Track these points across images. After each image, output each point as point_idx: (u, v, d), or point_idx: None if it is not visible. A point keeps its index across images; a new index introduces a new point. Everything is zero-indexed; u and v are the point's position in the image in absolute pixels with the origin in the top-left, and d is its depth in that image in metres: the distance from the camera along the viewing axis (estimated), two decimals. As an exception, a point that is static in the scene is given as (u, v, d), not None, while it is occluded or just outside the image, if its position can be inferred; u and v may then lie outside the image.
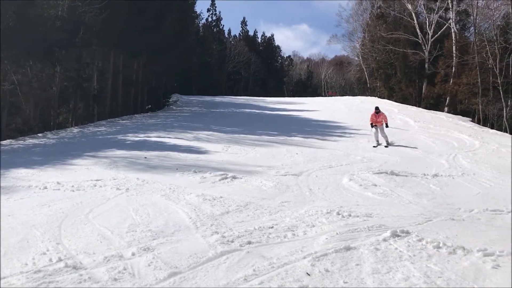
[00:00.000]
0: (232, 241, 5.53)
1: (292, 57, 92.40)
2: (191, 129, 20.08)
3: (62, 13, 22.05)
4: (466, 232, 6.14)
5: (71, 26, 22.25)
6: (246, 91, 65.59)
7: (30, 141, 16.97)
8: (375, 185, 9.35)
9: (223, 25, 73.20)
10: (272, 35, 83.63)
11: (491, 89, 28.09)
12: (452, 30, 33.54)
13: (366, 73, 49.56)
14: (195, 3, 44.18)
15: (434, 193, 8.92)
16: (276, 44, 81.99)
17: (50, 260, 4.84)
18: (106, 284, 4.34)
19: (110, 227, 6.06)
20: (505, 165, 12.34)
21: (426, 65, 36.27)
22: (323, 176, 10.34)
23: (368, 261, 4.98)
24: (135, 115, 29.03)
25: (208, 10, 67.69)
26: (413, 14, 37.07)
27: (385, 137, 15.59)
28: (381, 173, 10.62)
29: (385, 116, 16.01)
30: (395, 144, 15.65)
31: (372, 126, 16.09)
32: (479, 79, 28.11)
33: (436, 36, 35.54)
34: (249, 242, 5.52)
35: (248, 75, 71.28)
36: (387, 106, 31.77)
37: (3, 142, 16.58)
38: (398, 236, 5.79)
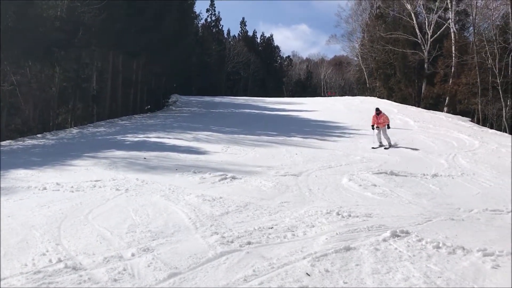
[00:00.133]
0: (232, 242, 5.53)
1: (291, 57, 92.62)
2: (191, 129, 20.08)
3: (61, 13, 22.05)
4: (466, 232, 6.15)
5: (70, 27, 22.24)
6: (246, 91, 65.63)
7: (29, 141, 16.96)
8: (375, 185, 9.35)
9: (222, 25, 73.46)
10: (271, 35, 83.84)
11: (490, 89, 28.11)
12: (452, 30, 33.57)
13: (365, 73, 49.58)
14: (194, 3, 44.19)
15: (434, 193, 8.92)
16: (275, 44, 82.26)
17: (50, 261, 4.84)
18: (106, 284, 4.33)
19: (109, 227, 6.05)
20: (504, 165, 12.35)
21: (425, 65, 36.30)
22: (322, 176, 10.34)
23: (368, 261, 4.98)
24: (135, 115, 29.02)
25: (208, 10, 67.81)
26: (412, 14, 37.11)
27: (387, 138, 15.38)
28: (381, 173, 10.62)
29: (386, 117, 15.82)
30: (398, 146, 15.42)
31: (373, 128, 16.00)
32: (478, 79, 28.13)
33: (435, 36, 35.57)
34: (249, 243, 5.51)
35: (247, 76, 71.31)
36: (387, 106, 31.77)
37: (3, 143, 16.56)
38: (398, 236, 5.79)
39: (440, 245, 5.45)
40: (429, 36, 36.02)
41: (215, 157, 13.10)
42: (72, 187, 8.65)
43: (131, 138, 17.23)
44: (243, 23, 76.83)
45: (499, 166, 12.27)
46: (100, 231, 5.93)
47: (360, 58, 50.85)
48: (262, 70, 72.16)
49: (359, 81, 54.25)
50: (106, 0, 23.40)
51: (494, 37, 27.93)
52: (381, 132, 15.49)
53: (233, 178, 9.80)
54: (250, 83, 71.80)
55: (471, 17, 31.82)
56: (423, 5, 36.96)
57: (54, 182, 9.09)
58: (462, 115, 28.32)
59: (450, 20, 34.21)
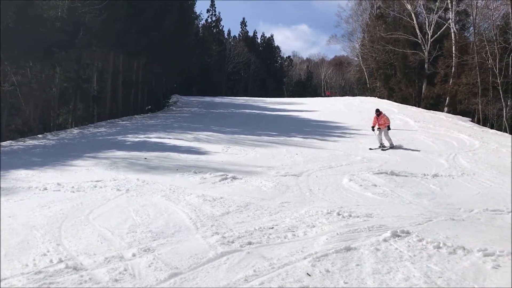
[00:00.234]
0: (233, 242, 5.53)
1: (291, 57, 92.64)
2: (191, 129, 20.09)
3: (62, 14, 22.06)
4: (466, 232, 6.15)
5: (71, 27, 22.25)
6: (246, 91, 65.66)
7: (30, 142, 16.97)
8: (375, 186, 9.35)
9: (223, 26, 73.43)
10: (272, 36, 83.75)
11: (490, 89, 28.10)
12: (452, 30, 33.55)
13: (365, 73, 49.59)
14: (195, 3, 44.15)
15: (434, 193, 8.93)
16: (275, 45, 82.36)
17: (51, 261, 4.85)
18: (106, 285, 4.34)
19: (110, 228, 6.06)
20: (505, 165, 12.35)
21: (425, 65, 36.30)
22: (323, 176, 10.34)
23: (369, 261, 4.98)
24: (135, 116, 29.04)
25: (208, 10, 67.83)
26: (413, 14, 37.11)
27: (389, 140, 15.19)
28: (381, 173, 10.62)
29: (386, 118, 15.61)
30: (403, 147, 15.21)
31: (373, 129, 15.89)
32: (478, 79, 28.13)
33: (435, 36, 35.56)
34: (250, 243, 5.52)
35: (247, 76, 71.34)
36: (387, 106, 31.79)
37: (3, 143, 16.58)
38: (399, 236, 5.79)
39: (441, 245, 5.45)
40: (429, 36, 36.02)
41: (215, 157, 13.10)
42: (72, 187, 8.66)
43: (131, 138, 17.24)
44: (243, 23, 76.93)
45: (500, 166, 12.27)
46: (101, 231, 5.93)
47: (360, 58, 50.88)
48: (262, 71, 72.19)
49: (360, 81, 54.28)
50: (107, 0, 23.41)
51: (494, 37, 27.93)
52: (383, 133, 15.36)
53: (234, 178, 9.80)
54: (250, 84, 71.83)
55: (471, 17, 31.82)
56: (423, 5, 36.95)
57: (55, 182, 9.09)
58: (463, 115, 28.31)
59: (450, 20, 34.21)
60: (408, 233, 5.92)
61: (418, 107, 34.07)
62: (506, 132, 23.87)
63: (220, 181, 9.60)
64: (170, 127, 21.27)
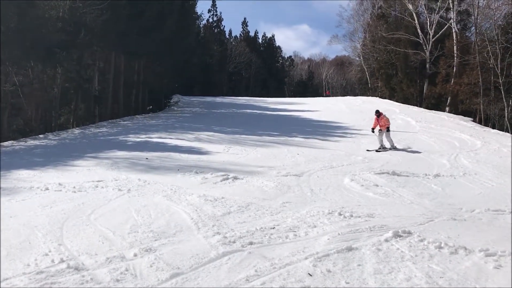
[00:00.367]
0: (234, 242, 5.54)
1: (293, 57, 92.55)
2: (192, 129, 20.10)
3: (63, 14, 22.09)
4: (468, 232, 6.14)
5: (72, 27, 22.28)
6: (247, 91, 65.66)
7: (31, 142, 16.99)
8: (377, 186, 9.35)
9: (224, 26, 73.37)
10: (273, 36, 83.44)
11: (492, 89, 28.03)
12: (453, 30, 33.50)
13: (367, 73, 49.56)
14: (196, 4, 44.09)
15: (436, 193, 8.92)
16: (276, 45, 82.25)
17: (52, 261, 4.85)
18: (108, 285, 4.34)
19: (112, 228, 6.07)
20: (506, 165, 12.31)
21: (427, 65, 36.24)
22: (324, 176, 10.34)
23: (370, 261, 4.98)
24: (136, 116, 29.05)
25: (209, 11, 67.84)
26: (414, 14, 37.05)
27: (390, 141, 14.93)
28: (383, 173, 10.62)
29: (386, 119, 15.29)
30: (409, 150, 14.80)
31: (373, 131, 15.71)
32: (480, 79, 28.08)
33: (437, 36, 35.50)
34: (251, 243, 5.52)
35: (249, 76, 71.35)
36: (388, 106, 31.80)
37: (5, 144, 16.61)
38: (400, 236, 5.79)
39: (442, 245, 5.45)
40: (430, 36, 35.96)
41: (216, 157, 13.11)
42: (74, 187, 8.67)
43: (133, 138, 17.25)
44: (244, 23, 76.90)
45: (501, 166, 12.25)
46: (102, 231, 5.94)
47: (361, 58, 50.86)
48: (263, 71, 72.18)
49: (361, 81, 54.25)
50: (108, 0, 23.43)
51: (496, 37, 27.87)
52: (384, 134, 15.07)
53: (235, 178, 9.81)
54: (251, 84, 71.84)
55: (473, 17, 31.75)
56: (424, 5, 36.90)
57: (56, 182, 9.11)
58: (464, 115, 28.28)
59: (452, 20, 34.15)
60: (409, 233, 5.91)
61: (420, 107, 34.04)
62: (508, 132, 23.80)
63: (221, 181, 9.60)
64: (171, 127, 21.28)
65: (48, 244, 5.39)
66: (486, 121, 27.82)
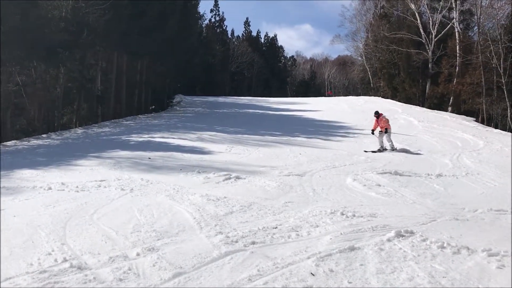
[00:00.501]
0: (236, 241, 5.54)
1: (295, 57, 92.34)
2: (195, 129, 20.11)
3: (66, 14, 22.13)
4: (471, 232, 6.13)
5: (75, 27, 22.32)
6: (249, 91, 65.63)
7: (34, 142, 17.04)
8: (379, 185, 9.34)
9: (226, 26, 73.45)
10: (275, 35, 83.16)
11: (495, 89, 27.98)
12: (456, 30, 33.46)
13: (369, 73, 49.49)
14: (198, 3, 44.05)
15: (438, 193, 8.91)
16: (279, 45, 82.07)
17: (55, 260, 4.87)
18: (111, 284, 4.35)
19: (114, 227, 6.08)
20: (509, 165, 12.28)
21: (429, 65, 36.19)
22: (326, 176, 10.33)
23: (373, 261, 4.98)
24: (139, 115, 29.09)
25: (212, 10, 67.65)
26: (417, 14, 37.02)
27: (389, 141, 14.76)
28: (385, 173, 10.61)
29: (386, 120, 15.06)
30: (412, 151, 14.57)
31: (372, 133, 15.54)
32: (483, 79, 28.03)
33: (439, 35, 35.45)
34: (253, 242, 5.52)
35: (251, 76, 71.34)
36: (391, 106, 31.78)
37: (8, 143, 16.66)
38: (402, 236, 5.78)
39: (445, 245, 5.44)
40: (433, 36, 35.90)
41: (219, 157, 13.12)
42: (77, 187, 8.69)
43: (135, 138, 17.28)
44: (247, 23, 76.88)
45: (504, 166, 12.22)
46: (105, 230, 5.95)
47: (364, 58, 50.77)
48: (266, 70, 72.14)
49: (363, 81, 54.18)
50: (111, 0, 23.47)
51: (499, 37, 27.82)
52: (384, 135, 14.83)
53: (237, 178, 9.81)
54: (254, 83, 71.82)
55: (475, 17, 31.71)
56: (427, 4, 36.84)
57: (59, 182, 9.12)
58: (467, 115, 28.22)
59: (454, 19, 34.10)
60: (412, 233, 5.91)
61: (422, 106, 33.99)
62: (511, 132, 23.76)
63: (223, 180, 9.61)
64: (173, 127, 21.30)
65: (51, 244, 5.40)
66: (488, 121, 27.79)
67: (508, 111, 26.68)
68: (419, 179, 10.19)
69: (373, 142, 15.81)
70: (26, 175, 10.08)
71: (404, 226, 6.21)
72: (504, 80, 26.57)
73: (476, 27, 32.02)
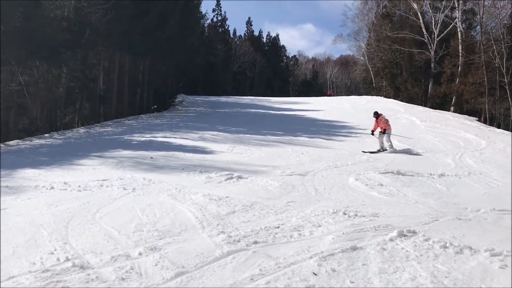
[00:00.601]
0: (239, 241, 5.54)
1: (297, 56, 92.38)
2: (197, 129, 20.12)
3: (68, 13, 22.17)
4: (473, 232, 6.12)
5: (77, 27, 22.36)
6: (252, 91, 65.63)
7: (36, 141, 17.07)
8: (381, 185, 9.33)
9: (228, 25, 73.49)
10: (277, 35, 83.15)
11: (497, 88, 27.94)
12: (458, 29, 33.39)
13: (371, 73, 49.44)
14: (200, 3, 44.12)
15: (441, 192, 8.89)
16: (281, 44, 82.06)
17: (58, 259, 4.87)
18: (113, 283, 4.35)
19: (117, 226, 6.08)
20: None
21: (432, 65, 36.13)
22: (329, 176, 10.32)
23: (375, 261, 4.97)
24: (141, 115, 29.11)
25: (214, 10, 67.76)
26: (419, 14, 36.96)
27: (388, 141, 14.52)
28: (387, 172, 10.59)
29: (385, 121, 14.84)
30: (414, 152, 14.31)
31: (372, 134, 15.41)
32: (485, 78, 27.97)
33: (442, 35, 35.39)
34: (256, 242, 5.52)
35: (253, 75, 71.31)
36: (393, 105, 31.74)
37: (11, 143, 16.70)
38: (405, 236, 5.77)
39: (447, 244, 5.43)
40: (435, 35, 35.84)
41: (221, 156, 13.12)
42: (79, 186, 8.70)
43: (138, 137, 17.30)
44: (249, 23, 76.87)
45: (506, 165, 12.19)
46: (107, 230, 5.96)
47: (366, 57, 50.74)
48: (268, 70, 72.13)
49: (366, 81, 54.13)
50: (113, 0, 23.49)
51: (501, 36, 27.76)
52: (384, 136, 14.60)
53: (239, 177, 9.81)
54: (256, 83, 71.80)
55: (478, 16, 31.66)
56: (429, 4, 36.78)
57: (62, 181, 9.14)
58: (469, 115, 28.17)
59: (457, 19, 34.04)
60: (414, 232, 5.90)
61: (424, 106, 33.93)
62: (513, 131, 23.71)
63: (225, 180, 9.61)
64: (175, 127, 21.31)
65: (54, 243, 5.41)
66: (491, 120, 27.74)
67: (511, 110, 26.61)
68: (422, 179, 10.18)
69: (376, 142, 15.77)
70: (28, 174, 10.11)
71: (406, 226, 6.20)
72: (506, 79, 26.52)
73: (478, 27, 31.96)
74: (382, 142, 14.67)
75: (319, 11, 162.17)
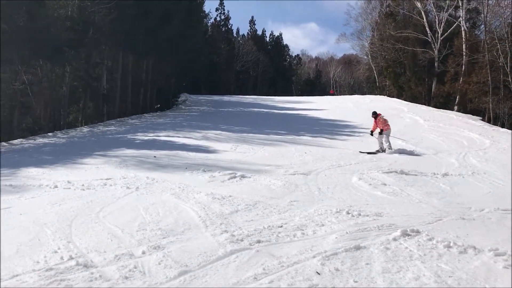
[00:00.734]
0: (242, 240, 5.54)
1: (300, 56, 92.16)
2: (200, 128, 20.13)
3: (72, 13, 22.21)
4: (477, 232, 6.10)
5: (81, 26, 22.41)
6: (255, 90, 65.63)
7: (40, 140, 17.13)
8: (385, 184, 9.31)
9: (232, 25, 73.24)
10: (280, 34, 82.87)
11: (501, 88, 27.84)
12: (462, 28, 33.27)
13: (375, 72, 49.32)
14: (204, 2, 44.06)
15: (444, 192, 8.87)
16: (284, 43, 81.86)
17: (62, 258, 4.89)
18: (117, 282, 4.36)
19: (120, 225, 6.10)
20: (516, 164, 12.22)
21: (435, 64, 36.00)
22: (332, 175, 10.31)
23: (378, 260, 4.96)
24: (144, 114, 29.16)
25: (217, 9, 67.70)
26: (423, 13, 36.84)
27: (387, 141, 14.23)
28: (391, 172, 10.57)
29: (383, 121, 14.58)
30: (415, 153, 14.03)
31: (371, 134, 15.21)
32: (489, 78, 27.87)
33: (445, 34, 35.23)
34: (259, 241, 5.52)
35: (256, 75, 71.28)
36: (397, 105, 31.67)
37: (14, 142, 16.75)
38: (408, 235, 5.76)
39: (451, 244, 5.41)
40: (439, 35, 35.70)
41: (224, 155, 13.13)
42: (83, 185, 8.72)
43: (141, 137, 17.32)
44: (252, 22, 76.73)
45: (510, 165, 12.14)
46: (111, 229, 5.97)
47: (369, 56, 50.60)
48: (271, 69, 72.03)
49: (369, 80, 54.04)
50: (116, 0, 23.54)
51: (505, 35, 27.66)
52: (384, 136, 14.33)
53: (243, 176, 9.81)
54: (259, 82, 71.78)
55: (482, 15, 31.53)
56: (433, 3, 36.64)
57: (65, 180, 9.17)
58: (473, 114, 28.06)
59: (460, 18, 33.91)
60: (418, 232, 5.88)
61: (428, 105, 33.83)
62: (517, 131, 23.62)
63: (229, 179, 9.61)
64: (179, 126, 21.33)
65: (57, 242, 5.42)
66: (495, 120, 27.63)
67: (515, 110, 26.53)
68: (425, 178, 10.15)
69: (376, 142, 15.75)
70: (32, 173, 10.14)
71: (410, 225, 6.19)
72: (510, 79, 26.43)
73: (482, 26, 31.89)
74: (381, 143, 14.44)
75: (323, 10, 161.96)
